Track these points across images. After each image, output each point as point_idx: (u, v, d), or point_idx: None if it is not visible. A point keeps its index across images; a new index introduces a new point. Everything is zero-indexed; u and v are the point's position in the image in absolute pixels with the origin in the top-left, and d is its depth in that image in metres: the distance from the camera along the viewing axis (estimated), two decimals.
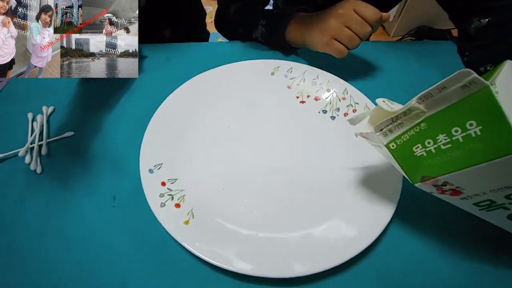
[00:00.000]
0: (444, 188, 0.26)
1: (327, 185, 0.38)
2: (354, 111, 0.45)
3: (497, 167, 0.21)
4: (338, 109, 0.46)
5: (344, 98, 0.46)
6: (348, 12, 0.43)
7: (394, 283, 0.32)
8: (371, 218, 0.34)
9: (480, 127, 0.22)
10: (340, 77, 0.48)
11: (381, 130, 0.28)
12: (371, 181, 0.38)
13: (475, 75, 0.21)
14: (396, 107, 0.27)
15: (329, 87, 0.48)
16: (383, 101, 0.29)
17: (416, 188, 0.37)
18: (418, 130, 0.26)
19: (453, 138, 0.23)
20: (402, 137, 0.27)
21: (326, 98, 0.47)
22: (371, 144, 0.31)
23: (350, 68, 0.51)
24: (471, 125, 0.22)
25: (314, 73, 0.49)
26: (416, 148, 0.26)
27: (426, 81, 0.43)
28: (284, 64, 0.50)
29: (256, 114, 0.46)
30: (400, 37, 1.72)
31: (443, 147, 0.24)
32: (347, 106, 0.46)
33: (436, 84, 0.23)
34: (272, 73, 0.50)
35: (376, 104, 0.29)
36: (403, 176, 0.36)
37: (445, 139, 0.24)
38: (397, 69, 0.53)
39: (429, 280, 0.32)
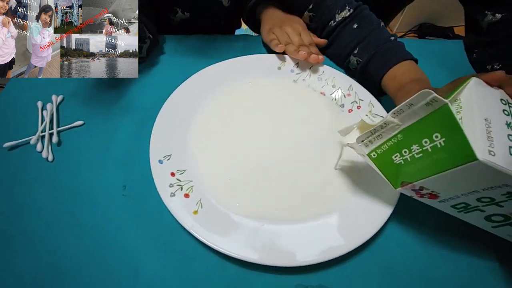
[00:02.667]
0: (422, 192, 0.29)
1: (330, 179, 0.39)
2: (359, 107, 0.46)
3: (461, 174, 0.24)
4: (343, 105, 0.47)
5: (349, 95, 0.47)
6: (294, 28, 0.52)
7: (394, 274, 0.33)
8: (373, 211, 0.36)
9: (444, 139, 0.25)
10: (345, 74, 0.49)
11: (362, 141, 0.31)
12: (373, 176, 0.39)
13: (435, 94, 0.24)
14: (378, 120, 0.31)
15: (334, 83, 0.49)
16: (366, 115, 0.33)
17: None
18: (395, 141, 0.29)
19: (424, 148, 0.26)
20: (382, 147, 0.30)
21: (331, 94, 0.48)
22: (358, 153, 0.33)
23: None
24: (436, 137, 0.25)
25: (320, 68, 0.50)
26: (395, 157, 0.29)
27: (430, 79, 0.44)
28: (291, 60, 0.51)
29: (262, 107, 0.47)
30: (403, 33, 1.72)
31: (416, 156, 0.27)
32: (352, 103, 0.46)
33: (405, 101, 0.26)
34: (279, 68, 0.51)
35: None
36: None
37: (417, 149, 0.27)
38: None
39: (428, 272, 0.34)
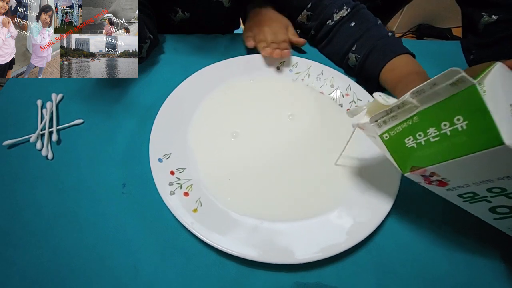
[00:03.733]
0: (431, 178, 0.28)
1: (328, 178, 0.40)
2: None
3: (480, 160, 0.23)
4: (341, 105, 0.47)
5: (347, 94, 0.48)
6: (272, 27, 0.53)
7: (391, 272, 0.34)
8: (370, 210, 0.36)
9: (467, 122, 0.23)
10: (343, 74, 0.50)
11: (376, 121, 0.30)
12: (370, 175, 0.39)
13: (464, 73, 0.22)
14: (392, 101, 0.29)
15: (333, 83, 0.49)
16: (380, 95, 0.30)
17: (414, 183, 0.39)
18: (410, 123, 0.27)
19: (442, 132, 0.25)
20: (395, 129, 0.29)
21: (330, 94, 0.48)
22: (367, 135, 0.32)
23: None
24: (458, 119, 0.24)
25: (319, 68, 0.50)
26: (407, 140, 0.28)
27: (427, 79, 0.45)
28: (290, 59, 0.51)
29: (261, 107, 0.47)
30: (401, 34, 1.72)
31: (432, 140, 0.26)
32: (350, 102, 0.47)
33: (428, 81, 0.24)
34: (278, 68, 0.51)
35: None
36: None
37: (434, 132, 0.25)
38: None
39: (425, 269, 0.34)
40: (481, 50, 0.48)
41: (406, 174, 0.29)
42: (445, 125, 0.25)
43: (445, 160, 0.25)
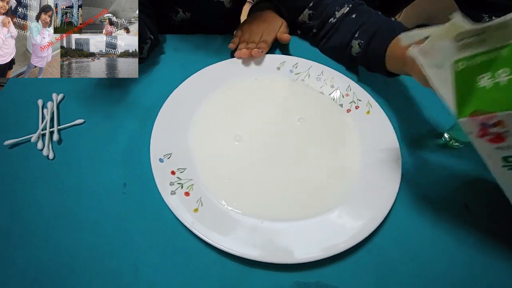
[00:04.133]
0: (492, 130, 0.24)
1: (329, 178, 0.40)
2: (357, 107, 0.46)
3: None
4: (341, 105, 0.47)
5: (347, 95, 0.48)
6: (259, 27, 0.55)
7: (390, 271, 0.34)
8: (370, 209, 0.36)
9: None
10: (343, 74, 0.50)
11: (461, 40, 0.24)
12: (371, 176, 0.39)
13: None
14: (469, 26, 0.24)
15: (333, 83, 0.49)
16: (461, 18, 0.25)
17: (413, 184, 0.39)
18: (496, 56, 0.23)
19: None
20: (476, 58, 0.24)
21: (330, 94, 0.48)
22: (427, 64, 0.27)
23: None
24: None
25: (319, 69, 0.51)
26: (482, 77, 0.23)
27: None
28: (290, 60, 0.52)
29: (261, 107, 0.47)
30: None
31: None
32: (350, 103, 0.47)
33: None
34: (278, 68, 0.51)
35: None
36: (402, 173, 0.38)
37: None
38: None
39: (424, 269, 0.34)
40: None
41: (461, 120, 0.25)
42: None
43: None
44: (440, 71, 0.26)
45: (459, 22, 0.25)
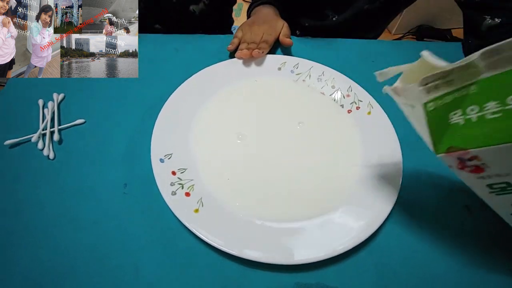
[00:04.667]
0: (469, 163, 0.24)
1: (329, 179, 0.40)
2: (358, 108, 0.46)
3: None
4: (342, 106, 0.47)
5: (348, 95, 0.48)
6: (260, 27, 0.55)
7: (391, 272, 0.34)
8: (371, 211, 0.36)
9: None
10: (344, 75, 0.50)
11: (427, 84, 0.24)
12: (372, 177, 0.39)
13: None
14: (444, 63, 0.24)
15: (334, 84, 0.49)
16: (430, 54, 0.25)
17: (414, 185, 0.39)
18: (465, 94, 0.23)
19: (506, 107, 0.20)
20: (445, 98, 0.24)
21: (330, 95, 0.48)
22: (401, 103, 0.28)
23: (354, 65, 0.53)
24: None
25: (320, 69, 0.51)
26: (453, 115, 0.23)
27: None
28: (291, 60, 0.52)
29: (262, 107, 0.47)
30: (401, 35, 1.73)
31: (489, 116, 0.21)
32: (351, 103, 0.47)
33: (509, 39, 0.20)
34: (279, 68, 0.51)
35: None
36: (403, 174, 0.38)
37: (495, 107, 0.21)
38: None
39: (425, 270, 0.34)
40: None
41: (439, 155, 0.25)
42: None
43: (501, 142, 0.20)
44: (414, 109, 0.26)
45: (428, 58, 0.25)
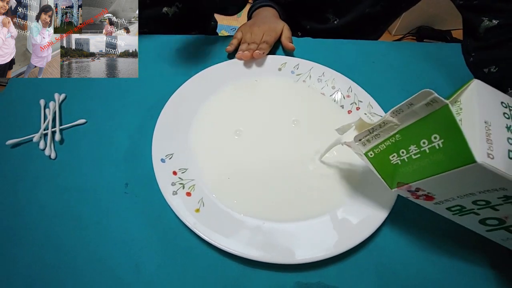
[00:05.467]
0: (418, 193, 0.29)
1: (330, 179, 0.40)
2: (358, 109, 0.46)
3: (459, 176, 0.24)
4: (342, 107, 0.47)
5: (348, 96, 0.48)
6: (260, 28, 0.55)
7: (390, 272, 0.34)
8: (371, 211, 0.36)
9: (442, 140, 0.24)
10: (344, 75, 0.50)
11: (360, 140, 0.31)
12: (372, 177, 0.39)
13: (435, 94, 0.24)
14: (376, 119, 0.30)
15: (334, 85, 0.49)
16: (365, 113, 0.32)
17: None
18: (393, 141, 0.29)
19: (422, 149, 0.26)
20: (380, 146, 0.30)
21: (331, 95, 0.49)
22: (355, 152, 0.33)
23: (354, 66, 0.53)
24: (435, 138, 0.25)
25: (320, 70, 0.51)
26: (392, 157, 0.29)
27: (428, 81, 0.45)
28: (291, 61, 0.52)
29: (263, 108, 0.47)
30: (401, 36, 1.73)
31: (413, 157, 0.27)
32: (351, 104, 0.47)
33: (405, 101, 0.26)
34: (279, 69, 0.51)
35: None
36: None
37: (415, 150, 0.26)
38: (401, 69, 0.55)
39: (424, 270, 0.34)
40: (481, 53, 0.48)
41: (393, 190, 0.30)
42: (424, 143, 0.26)
43: (427, 176, 0.26)
44: (363, 157, 0.32)
45: (364, 117, 0.31)
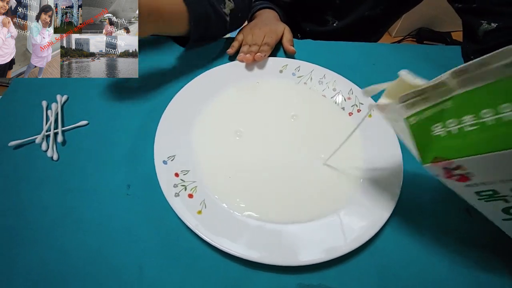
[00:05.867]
0: (454, 172, 0.25)
1: (332, 181, 0.40)
2: (359, 111, 0.47)
3: None
4: (343, 109, 0.48)
5: (349, 98, 0.48)
6: (262, 30, 0.55)
7: (392, 274, 0.34)
8: (373, 212, 0.36)
9: None
10: (345, 77, 0.50)
11: (405, 102, 0.26)
12: (373, 178, 0.40)
13: None
14: (420, 81, 0.26)
15: (335, 87, 0.50)
16: (407, 73, 0.27)
17: (415, 188, 0.39)
18: (442, 108, 0.24)
19: (481, 120, 0.21)
20: (424, 112, 0.26)
21: (332, 98, 0.49)
22: (386, 117, 0.29)
23: (355, 68, 0.53)
24: (507, 107, 0.20)
25: (321, 72, 0.51)
26: (435, 127, 0.25)
27: None
28: (292, 63, 0.52)
29: (264, 110, 0.47)
30: (401, 38, 1.74)
31: (467, 129, 0.22)
32: (352, 106, 0.47)
33: (476, 59, 0.21)
34: (281, 71, 0.52)
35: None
36: (403, 175, 0.39)
37: (471, 120, 0.22)
38: None
39: (426, 272, 0.34)
40: (480, 55, 0.48)
41: (425, 165, 0.26)
42: (486, 113, 0.21)
43: (481, 153, 0.22)
44: (398, 123, 0.28)
45: (406, 77, 0.27)
